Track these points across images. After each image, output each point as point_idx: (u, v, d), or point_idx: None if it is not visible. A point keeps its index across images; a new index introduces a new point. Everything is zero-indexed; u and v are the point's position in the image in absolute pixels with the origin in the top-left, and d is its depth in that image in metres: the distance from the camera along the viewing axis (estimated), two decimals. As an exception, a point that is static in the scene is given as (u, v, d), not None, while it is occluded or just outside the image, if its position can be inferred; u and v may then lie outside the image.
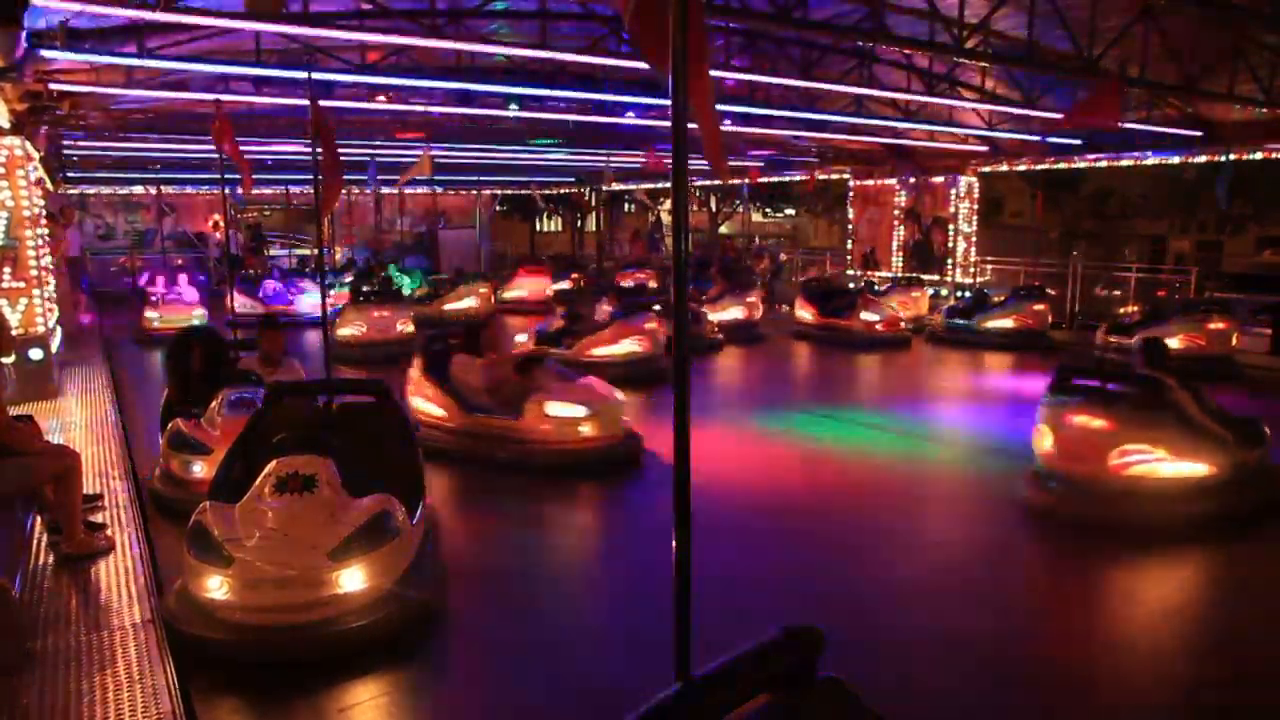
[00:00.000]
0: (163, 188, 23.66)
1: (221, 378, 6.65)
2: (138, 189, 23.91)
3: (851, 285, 16.34)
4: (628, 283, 17.73)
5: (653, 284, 17.92)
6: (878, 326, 14.00)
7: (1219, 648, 4.49)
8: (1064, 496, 6.02)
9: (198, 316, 14.44)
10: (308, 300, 16.93)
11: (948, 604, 4.83)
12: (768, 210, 39.56)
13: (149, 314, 14.72)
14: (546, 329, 12.08)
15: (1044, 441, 6.21)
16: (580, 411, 7.15)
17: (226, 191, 10.26)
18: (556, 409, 7.15)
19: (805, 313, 15.02)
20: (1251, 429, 6.27)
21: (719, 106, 12.01)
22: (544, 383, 7.36)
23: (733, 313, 14.89)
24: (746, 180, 23.33)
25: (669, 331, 10.95)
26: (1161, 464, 5.79)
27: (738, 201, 36.91)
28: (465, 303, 16.60)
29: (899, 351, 13.73)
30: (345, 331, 12.79)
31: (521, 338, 11.62)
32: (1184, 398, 6.01)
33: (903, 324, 14.35)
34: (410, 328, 13.34)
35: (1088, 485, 5.92)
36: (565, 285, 19.73)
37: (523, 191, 30.92)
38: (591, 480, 6.98)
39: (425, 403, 7.77)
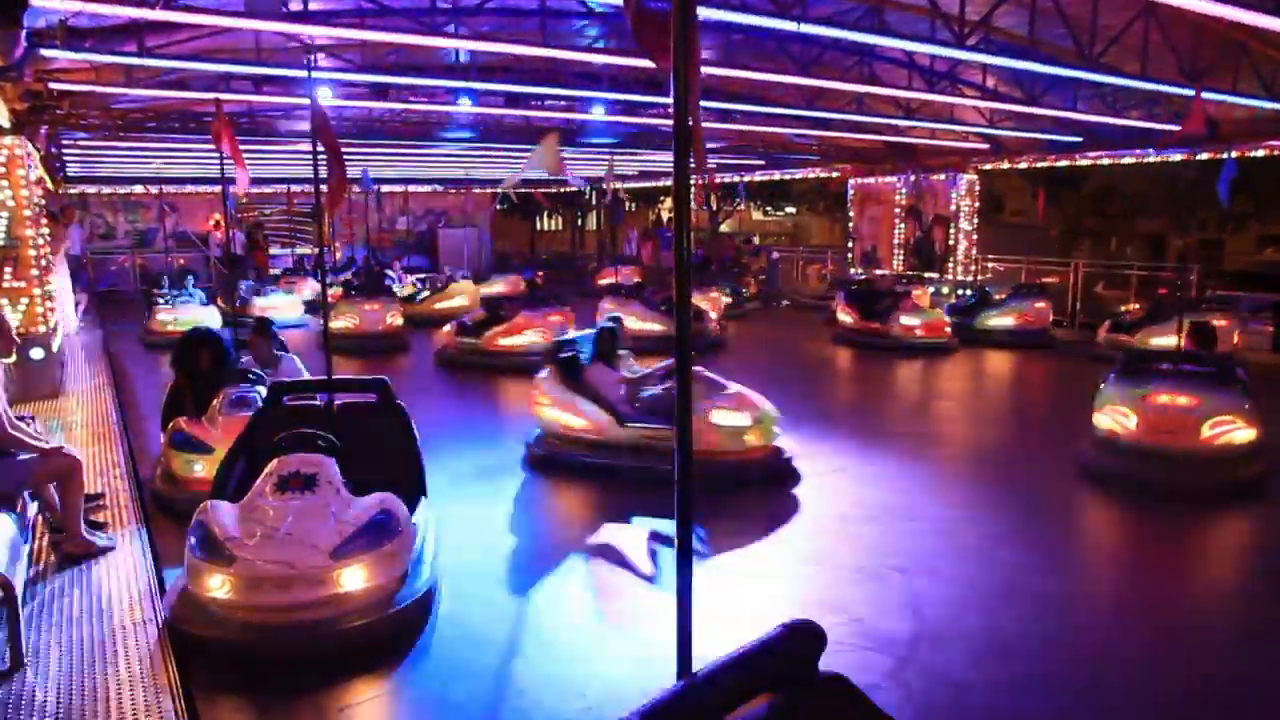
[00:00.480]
0: (163, 187, 23.69)
1: (224, 378, 6.65)
2: (138, 188, 23.93)
3: (898, 288, 15.35)
4: (607, 280, 17.81)
5: (636, 279, 17.96)
6: (918, 331, 13.34)
7: None
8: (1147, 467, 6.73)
9: (209, 319, 14.34)
10: (284, 301, 16.65)
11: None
12: (768, 209, 39.54)
13: (161, 316, 14.20)
14: (469, 321, 12.67)
15: (1127, 422, 6.89)
16: (746, 420, 6.80)
17: (233, 190, 10.25)
18: (723, 418, 6.74)
19: (846, 316, 14.37)
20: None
21: (706, 104, 11.99)
22: (698, 391, 6.91)
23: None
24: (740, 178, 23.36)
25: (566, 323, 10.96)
26: (1237, 432, 6.65)
27: (739, 200, 36.92)
28: (455, 301, 16.92)
29: (939, 357, 12.90)
30: (337, 324, 12.89)
31: (447, 328, 12.95)
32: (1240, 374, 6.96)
33: (947, 329, 13.55)
34: (399, 320, 13.97)
35: (1182, 456, 6.67)
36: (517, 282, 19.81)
37: (525, 190, 30.90)
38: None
39: (567, 415, 7.20)
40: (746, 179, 23.92)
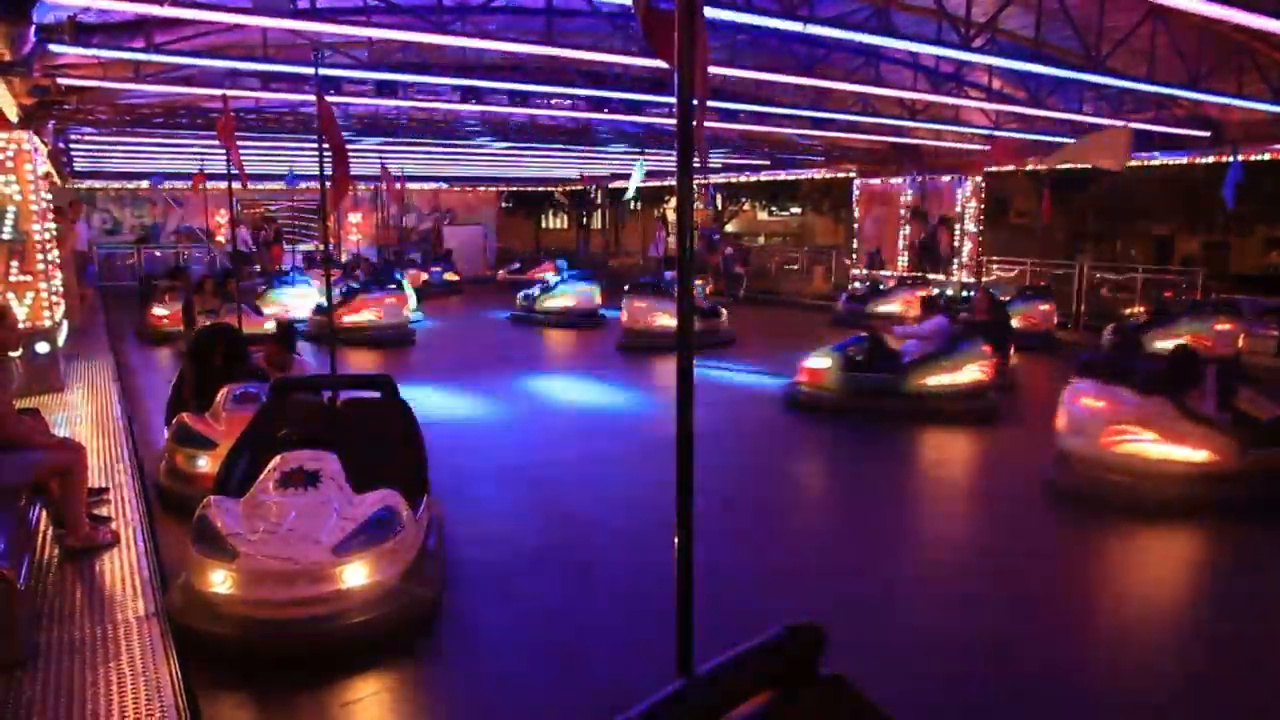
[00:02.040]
0: (171, 183, 23.69)
1: (234, 375, 6.66)
2: (144, 183, 23.97)
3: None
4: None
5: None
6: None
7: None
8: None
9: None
10: (297, 297, 16.56)
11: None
12: (773, 209, 39.50)
13: (157, 310, 14.34)
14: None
15: (1059, 420, 6.87)
16: None
17: (252, 187, 10.30)
18: None
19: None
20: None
21: (713, 104, 11.98)
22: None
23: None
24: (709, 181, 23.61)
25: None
26: (1151, 445, 6.31)
27: (743, 200, 36.89)
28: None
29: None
30: (357, 318, 14.17)
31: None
32: (1189, 391, 6.48)
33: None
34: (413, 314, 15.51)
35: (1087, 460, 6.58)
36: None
37: (530, 190, 30.96)
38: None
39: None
40: (714, 180, 24.02)
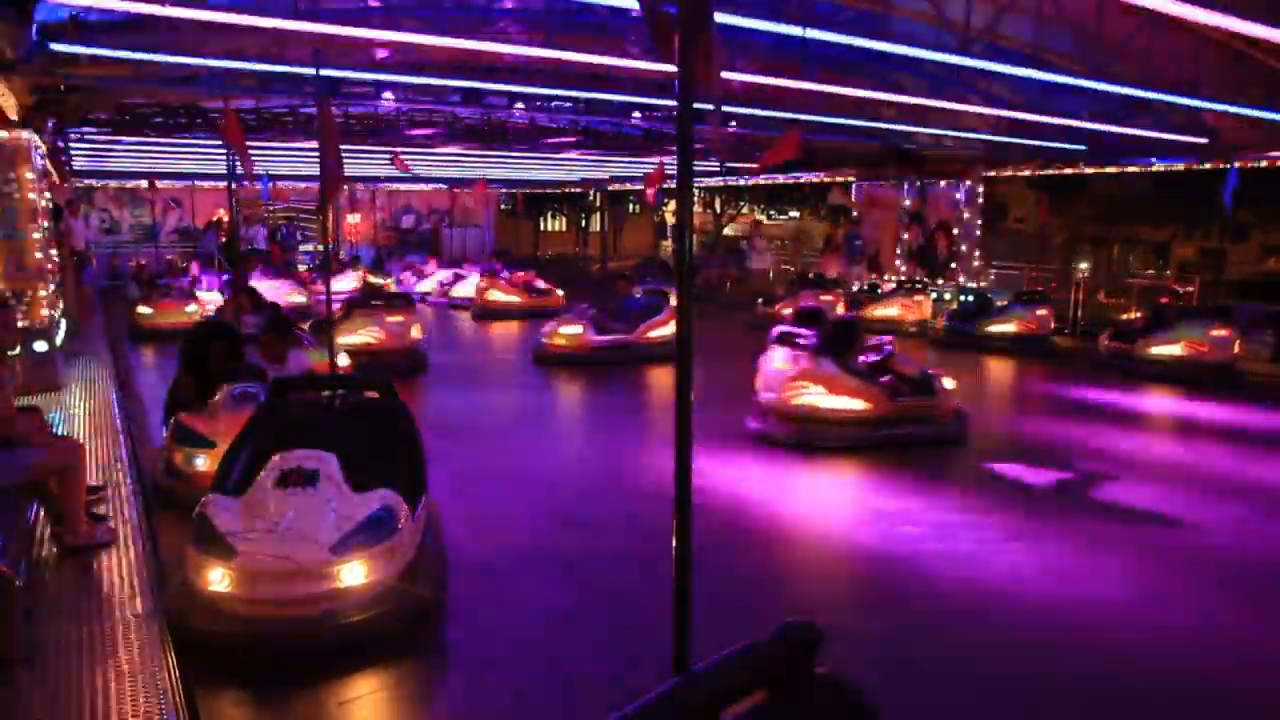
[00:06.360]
0: (169, 182, 23.72)
1: (231, 371, 6.66)
2: (143, 182, 23.98)
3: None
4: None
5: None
6: None
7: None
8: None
9: (191, 312, 14.28)
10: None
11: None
12: (772, 212, 39.54)
13: (141, 309, 14.43)
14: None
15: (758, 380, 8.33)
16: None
17: (258, 187, 10.29)
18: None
19: None
20: (925, 382, 8.27)
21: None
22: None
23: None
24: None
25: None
26: (820, 398, 7.90)
27: (742, 203, 36.96)
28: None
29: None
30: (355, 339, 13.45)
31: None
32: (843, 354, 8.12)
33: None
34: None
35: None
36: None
37: (527, 191, 30.97)
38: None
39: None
40: (709, 184, 24.15)
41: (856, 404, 7.88)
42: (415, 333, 11.89)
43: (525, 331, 15.08)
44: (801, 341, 8.09)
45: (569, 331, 12.17)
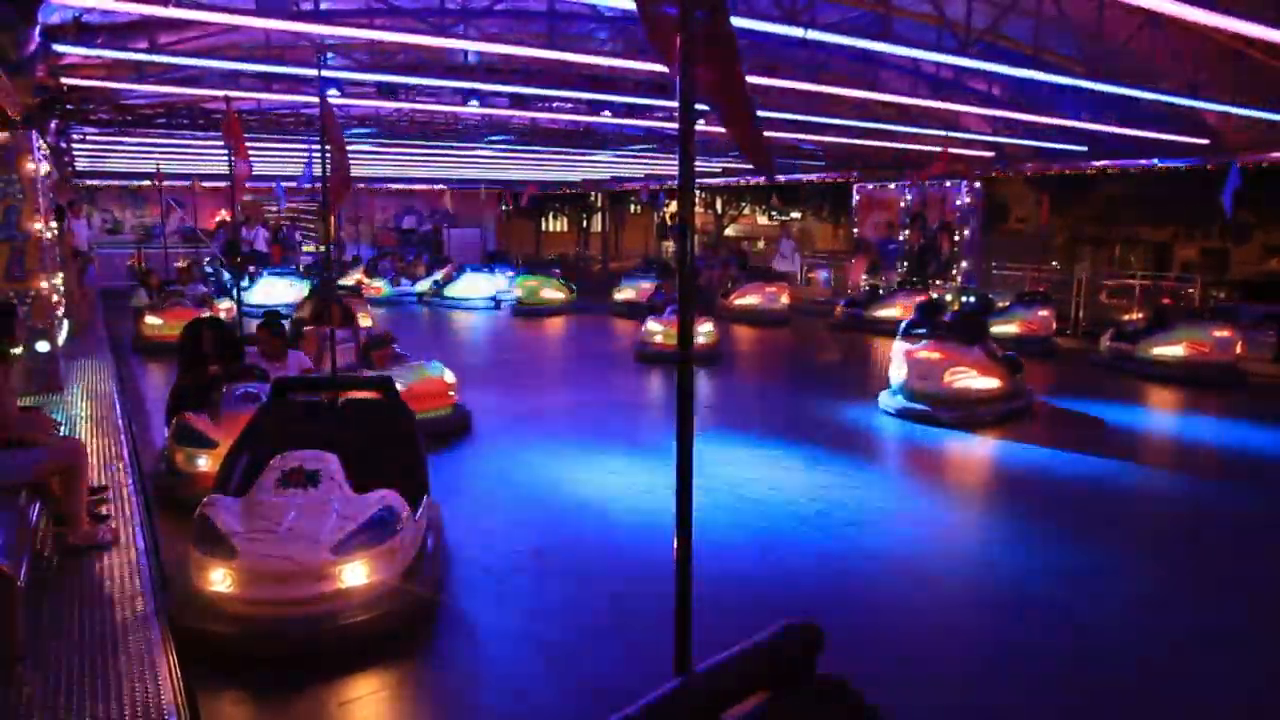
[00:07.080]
0: (171, 182, 23.68)
1: (230, 371, 6.66)
2: (146, 183, 23.97)
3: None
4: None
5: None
6: None
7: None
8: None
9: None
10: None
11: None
12: (773, 213, 39.50)
13: (150, 319, 13.26)
14: None
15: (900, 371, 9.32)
16: None
17: (273, 189, 10.27)
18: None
19: None
20: (1016, 361, 9.63)
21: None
22: None
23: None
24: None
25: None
26: (974, 380, 9.05)
27: (743, 203, 36.93)
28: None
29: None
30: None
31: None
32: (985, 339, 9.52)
33: None
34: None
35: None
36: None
37: (545, 193, 31.00)
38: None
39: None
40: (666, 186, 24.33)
41: (994, 383, 9.11)
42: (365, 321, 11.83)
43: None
44: (944, 333, 9.39)
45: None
